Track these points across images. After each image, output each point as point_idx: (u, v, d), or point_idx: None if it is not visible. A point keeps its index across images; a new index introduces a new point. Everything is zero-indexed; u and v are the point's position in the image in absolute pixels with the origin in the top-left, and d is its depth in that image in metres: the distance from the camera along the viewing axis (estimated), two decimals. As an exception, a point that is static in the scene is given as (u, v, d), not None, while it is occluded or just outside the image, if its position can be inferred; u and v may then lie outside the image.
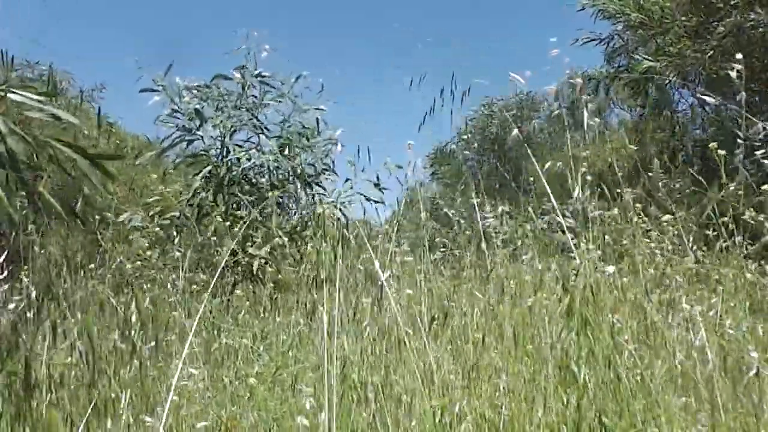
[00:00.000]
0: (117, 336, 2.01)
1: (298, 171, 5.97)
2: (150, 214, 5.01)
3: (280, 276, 4.08)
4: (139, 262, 3.89)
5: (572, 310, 2.20)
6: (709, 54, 7.68)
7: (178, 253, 3.73)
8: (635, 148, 1.74)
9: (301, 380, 2.31)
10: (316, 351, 2.48)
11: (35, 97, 1.24)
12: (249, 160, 5.84)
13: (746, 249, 1.67)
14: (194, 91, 5.94)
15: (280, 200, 6.08)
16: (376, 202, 5.50)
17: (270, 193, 5.43)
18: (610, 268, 1.41)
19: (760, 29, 7.27)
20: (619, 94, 11.42)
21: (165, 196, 5.47)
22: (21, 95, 1.22)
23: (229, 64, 6.36)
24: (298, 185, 5.99)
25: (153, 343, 2.02)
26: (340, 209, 5.37)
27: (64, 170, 1.22)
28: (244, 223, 4.93)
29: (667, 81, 8.65)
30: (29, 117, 1.27)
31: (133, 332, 1.87)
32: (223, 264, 3.76)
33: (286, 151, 5.97)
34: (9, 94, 1.20)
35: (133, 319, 1.83)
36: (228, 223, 4.89)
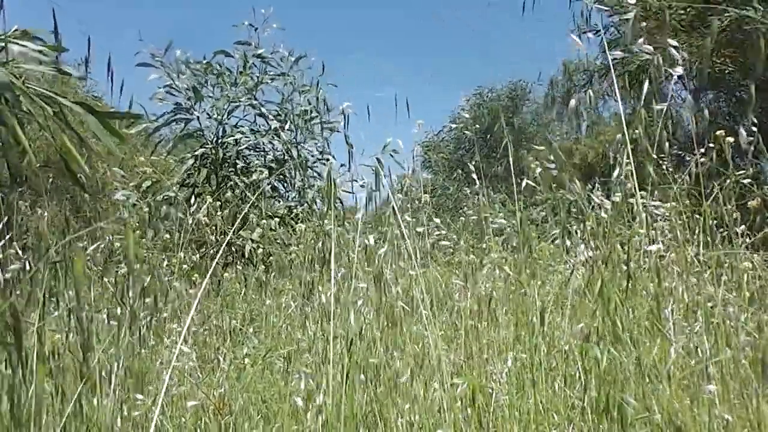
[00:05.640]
0: (108, 311, 1.98)
1: (294, 153, 5.92)
2: (141, 192, 4.95)
3: (272, 258, 4.04)
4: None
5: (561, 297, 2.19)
6: (707, 48, 7.67)
7: (167, 234, 3.69)
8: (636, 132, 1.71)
9: (294, 362, 2.29)
10: (309, 332, 2.46)
11: (36, 47, 1.18)
12: (246, 140, 5.77)
13: (749, 239, 1.66)
14: (193, 67, 5.86)
15: (275, 183, 6.04)
16: (372, 190, 5.45)
17: (263, 175, 5.38)
18: (654, 247, 1.39)
19: (759, 24, 7.26)
20: (613, 86, 11.43)
21: (156, 166, 5.40)
22: (22, 46, 1.16)
23: (232, 41, 6.27)
24: (294, 168, 5.95)
25: (147, 320, 1.99)
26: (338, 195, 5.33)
27: (71, 129, 1.16)
28: (236, 204, 4.88)
29: (665, 76, 8.63)
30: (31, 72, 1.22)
31: (126, 308, 1.84)
32: (222, 246, 3.72)
33: (283, 133, 5.92)
34: (10, 45, 1.14)
35: (130, 293, 1.80)
36: (219, 204, 4.85)
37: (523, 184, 1.96)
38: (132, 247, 0.93)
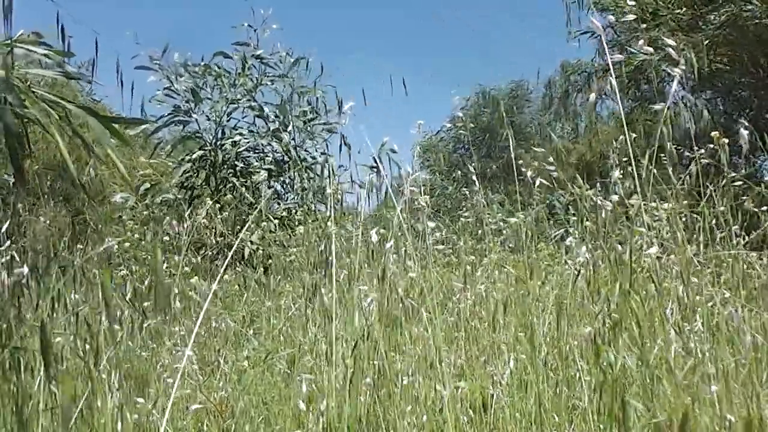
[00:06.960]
0: (109, 316, 1.98)
1: (293, 155, 5.93)
2: (140, 194, 4.95)
3: (271, 261, 4.05)
4: (128, 243, 3.85)
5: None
6: (705, 45, 7.69)
7: (167, 237, 3.69)
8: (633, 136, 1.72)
9: (297, 364, 2.29)
10: (310, 333, 2.46)
11: (42, 51, 1.18)
12: (245, 141, 5.78)
13: (744, 239, 1.67)
14: (191, 69, 5.86)
15: (274, 185, 6.05)
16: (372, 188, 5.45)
17: (262, 177, 5.39)
18: (653, 250, 1.39)
19: (755, 21, 7.27)
20: (611, 87, 11.44)
21: (155, 168, 5.41)
22: (29, 50, 1.16)
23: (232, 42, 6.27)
24: (293, 169, 5.95)
25: (149, 323, 1.99)
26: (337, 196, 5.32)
27: (76, 134, 1.16)
28: (235, 206, 4.88)
29: (664, 75, 8.66)
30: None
31: (126, 312, 1.84)
32: (222, 248, 3.73)
33: (283, 134, 5.92)
34: (16, 50, 1.14)
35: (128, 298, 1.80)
36: (219, 206, 4.85)
37: (537, 183, 1.96)
38: (160, 269, 0.93)
